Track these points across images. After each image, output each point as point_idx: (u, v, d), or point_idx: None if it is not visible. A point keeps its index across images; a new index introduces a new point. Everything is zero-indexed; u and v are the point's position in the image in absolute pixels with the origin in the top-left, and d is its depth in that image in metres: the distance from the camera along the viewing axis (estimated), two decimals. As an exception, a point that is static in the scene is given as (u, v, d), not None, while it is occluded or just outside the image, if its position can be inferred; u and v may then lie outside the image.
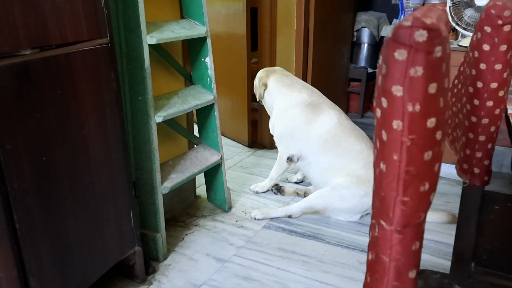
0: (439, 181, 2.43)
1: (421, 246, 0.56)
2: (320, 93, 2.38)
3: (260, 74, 2.46)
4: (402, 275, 0.55)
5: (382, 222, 0.55)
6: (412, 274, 0.56)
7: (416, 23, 0.47)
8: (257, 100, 2.56)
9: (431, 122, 0.50)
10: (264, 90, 2.41)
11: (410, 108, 0.50)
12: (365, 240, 2.06)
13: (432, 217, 2.16)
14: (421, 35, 0.47)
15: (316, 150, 2.23)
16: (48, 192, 1.27)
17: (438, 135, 0.52)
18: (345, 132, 2.21)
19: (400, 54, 0.49)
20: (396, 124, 0.51)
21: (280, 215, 2.22)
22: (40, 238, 1.26)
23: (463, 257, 1.06)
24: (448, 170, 2.59)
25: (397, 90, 0.50)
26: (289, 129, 2.30)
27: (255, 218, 2.21)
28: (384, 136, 0.53)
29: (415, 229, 0.54)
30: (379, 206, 0.56)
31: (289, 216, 2.22)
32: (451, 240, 1.25)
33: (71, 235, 1.37)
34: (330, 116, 2.23)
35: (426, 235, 2.19)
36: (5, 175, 1.13)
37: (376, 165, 0.57)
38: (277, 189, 2.49)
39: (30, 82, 1.18)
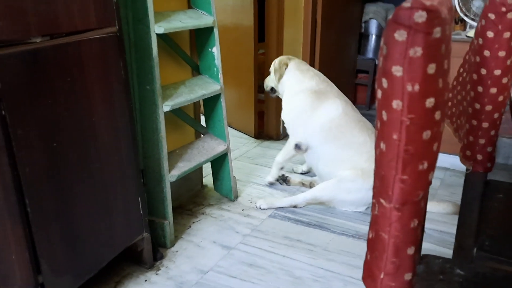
0: (445, 172, 2.41)
1: (420, 223, 0.58)
2: (332, 83, 2.38)
3: (280, 57, 2.50)
4: (401, 251, 0.57)
5: (382, 200, 0.57)
6: (410, 251, 0.57)
7: (416, 4, 0.48)
8: (265, 89, 2.64)
9: (429, 102, 0.52)
10: (285, 69, 2.44)
11: (409, 88, 0.51)
12: (360, 229, 2.07)
13: (438, 207, 2.17)
14: (420, 16, 0.48)
15: (320, 139, 2.25)
16: (58, 177, 1.30)
17: (437, 115, 0.53)
18: (350, 123, 2.21)
19: (400, 35, 0.50)
20: (396, 104, 0.52)
21: (286, 204, 2.24)
22: (51, 222, 1.30)
23: (465, 243, 1.07)
24: (454, 161, 2.60)
25: (397, 71, 0.51)
26: (295, 114, 2.33)
27: (260, 208, 2.23)
28: (384, 116, 0.54)
29: (413, 207, 0.56)
30: (379, 185, 0.57)
31: (294, 206, 2.24)
32: (455, 230, 1.27)
33: (81, 220, 1.40)
34: (335, 105, 2.23)
35: (430, 225, 2.18)
36: (17, 160, 1.16)
37: (376, 146, 0.58)
38: (283, 179, 2.51)
39: (40, 69, 1.20)
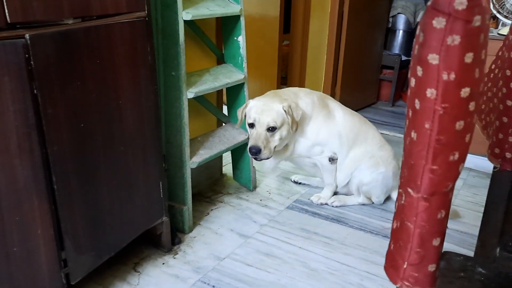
0: (469, 173, 2.36)
1: (447, 215, 0.57)
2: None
3: (288, 104, 1.97)
4: (426, 242, 0.56)
5: (410, 190, 0.57)
6: (435, 242, 0.57)
7: (457, -9, 0.47)
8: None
9: (465, 92, 0.51)
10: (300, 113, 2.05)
11: (445, 76, 0.50)
12: (388, 226, 2.06)
13: None
14: (460, 3, 0.47)
15: (339, 145, 2.15)
16: (84, 157, 1.33)
17: (471, 106, 0.52)
18: (355, 121, 2.17)
19: (439, 22, 0.49)
20: (430, 92, 0.51)
21: (355, 203, 2.25)
22: (75, 201, 1.33)
23: (488, 242, 1.05)
24: (478, 162, 2.55)
25: (433, 59, 0.50)
26: (325, 130, 2.12)
27: (332, 206, 2.22)
28: (417, 104, 0.54)
29: (442, 198, 0.55)
30: (407, 174, 0.57)
31: (363, 205, 2.25)
32: (476, 231, 1.25)
33: (104, 200, 1.43)
34: (337, 108, 2.17)
35: (451, 225, 2.13)
36: (46, 138, 1.19)
37: (406, 135, 0.58)
38: (295, 182, 2.50)
39: (71, 50, 1.23)
